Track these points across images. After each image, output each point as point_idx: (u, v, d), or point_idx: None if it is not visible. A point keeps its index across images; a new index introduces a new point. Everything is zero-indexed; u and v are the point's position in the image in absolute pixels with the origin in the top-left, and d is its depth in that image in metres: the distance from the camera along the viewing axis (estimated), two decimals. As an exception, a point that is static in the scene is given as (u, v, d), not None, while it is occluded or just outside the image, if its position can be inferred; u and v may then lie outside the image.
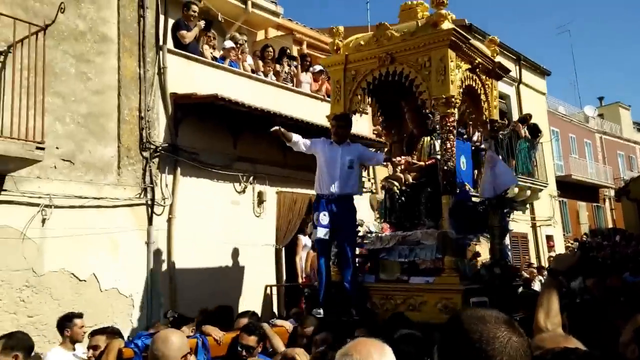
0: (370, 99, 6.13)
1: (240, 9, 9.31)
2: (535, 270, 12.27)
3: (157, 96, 6.95)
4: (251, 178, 7.78)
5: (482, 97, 5.59)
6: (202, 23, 7.66)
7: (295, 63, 9.03)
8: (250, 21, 9.72)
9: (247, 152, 7.85)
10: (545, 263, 14.19)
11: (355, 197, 5.40)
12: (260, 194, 7.87)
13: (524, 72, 16.76)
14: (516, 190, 14.55)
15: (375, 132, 11.12)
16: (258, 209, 7.88)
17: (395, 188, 5.62)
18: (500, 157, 5.74)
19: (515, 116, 15.65)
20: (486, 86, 5.64)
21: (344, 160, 5.23)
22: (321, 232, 5.12)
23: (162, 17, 7.13)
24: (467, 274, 4.82)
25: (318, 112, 7.98)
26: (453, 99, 4.80)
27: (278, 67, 8.63)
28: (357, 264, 5.51)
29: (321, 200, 5.21)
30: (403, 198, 5.58)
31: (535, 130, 14.42)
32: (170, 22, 7.42)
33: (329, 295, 5.19)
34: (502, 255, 5.34)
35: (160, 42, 7.04)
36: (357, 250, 5.55)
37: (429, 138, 5.56)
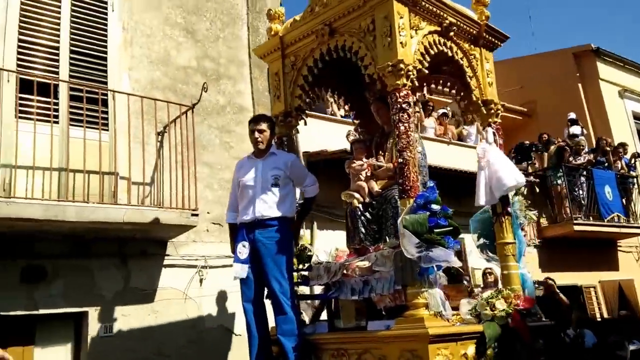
0: (331, 94, 5.01)
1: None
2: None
3: (291, 156, 7.41)
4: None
5: (468, 71, 4.32)
6: None
7: (417, 109, 9.19)
8: (371, 75, 10.04)
9: (379, 201, 8.02)
10: None
11: None
12: (395, 242, 7.94)
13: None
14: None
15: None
16: (394, 256, 7.94)
17: (355, 201, 4.40)
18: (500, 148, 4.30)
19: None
20: (471, 57, 4.36)
21: (265, 175, 4.12)
22: (237, 270, 4.03)
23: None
24: (446, 313, 3.48)
25: (444, 156, 8.01)
26: (402, 65, 3.61)
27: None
28: (315, 308, 4.57)
29: (241, 228, 4.14)
30: (367, 214, 4.36)
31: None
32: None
33: (265, 354, 4.01)
34: (524, 283, 4.05)
35: (290, 106, 7.56)
36: (318, 289, 4.51)
37: None
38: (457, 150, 9.71)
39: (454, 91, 4.66)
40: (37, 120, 5.11)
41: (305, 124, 4.77)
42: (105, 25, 6.12)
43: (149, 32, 6.52)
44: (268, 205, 4.05)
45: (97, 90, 5.61)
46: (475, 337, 3.51)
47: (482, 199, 4.08)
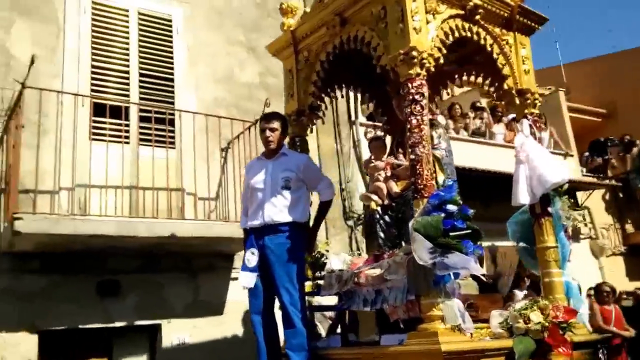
0: (359, 93, 4.75)
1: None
2: None
3: (354, 168, 7.41)
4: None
5: (500, 58, 3.88)
6: None
7: (485, 114, 8.94)
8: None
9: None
10: None
11: None
12: (465, 251, 7.75)
13: None
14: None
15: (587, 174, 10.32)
16: (466, 267, 7.75)
17: (373, 204, 4.10)
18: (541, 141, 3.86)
19: None
20: (503, 43, 3.91)
21: (275, 177, 3.82)
22: (244, 279, 3.75)
23: (351, 94, 7.67)
24: (465, 326, 3.03)
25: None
26: (415, 53, 3.26)
27: (467, 120, 8.64)
28: (331, 320, 4.31)
29: (250, 235, 3.86)
30: (386, 217, 4.07)
31: None
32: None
33: None
34: (568, 292, 3.66)
35: (352, 118, 7.56)
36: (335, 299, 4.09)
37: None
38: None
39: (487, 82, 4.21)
40: (110, 141, 5.37)
41: (323, 122, 4.53)
42: (171, 47, 6.37)
43: (213, 52, 6.72)
44: (278, 210, 3.75)
45: (164, 111, 5.84)
46: (504, 354, 3.09)
47: (521, 197, 3.65)
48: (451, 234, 2.94)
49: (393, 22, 3.41)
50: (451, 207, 3.02)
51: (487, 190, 7.62)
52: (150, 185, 5.46)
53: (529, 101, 3.97)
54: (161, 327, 5.75)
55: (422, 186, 3.17)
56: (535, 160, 3.65)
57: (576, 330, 3.33)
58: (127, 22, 6.15)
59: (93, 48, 5.88)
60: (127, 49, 6.09)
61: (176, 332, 5.78)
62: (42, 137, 5.25)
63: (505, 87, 3.91)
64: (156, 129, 5.67)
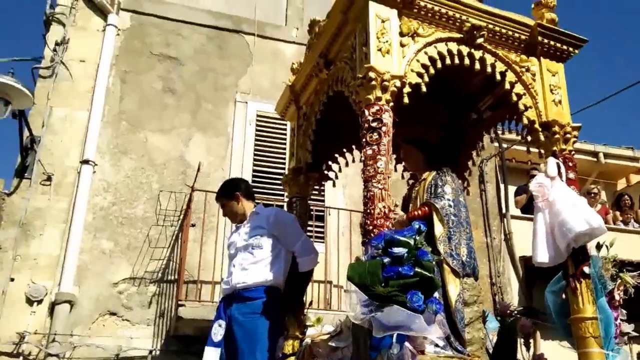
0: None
1: (591, 163, 9.11)
2: None
3: (506, 261, 7.14)
4: (625, 338, 6.92)
5: (517, 87, 3.22)
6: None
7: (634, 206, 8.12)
8: (606, 172, 9.35)
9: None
10: None
11: None
12: (640, 356, 6.83)
13: None
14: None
15: None
16: (641, 370, 6.81)
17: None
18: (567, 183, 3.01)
19: None
20: (521, 70, 3.24)
21: (247, 238, 3.42)
22: (208, 355, 3.19)
23: (502, 187, 7.56)
24: None
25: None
26: (373, 74, 2.73)
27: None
28: None
29: (221, 303, 3.40)
30: None
31: None
32: (511, 189, 7.78)
33: None
34: None
35: (503, 210, 7.40)
36: None
37: (432, 174, 3.39)
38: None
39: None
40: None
41: (334, 185, 4.25)
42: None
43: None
44: (247, 272, 3.33)
45: (315, 208, 6.36)
46: None
47: (540, 254, 2.83)
48: (391, 282, 2.24)
49: (360, 48, 2.98)
50: (398, 250, 2.28)
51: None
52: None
53: (557, 136, 3.24)
54: None
55: (370, 227, 2.56)
56: (558, 204, 2.80)
57: None
58: (284, 128, 6.94)
59: (255, 154, 6.73)
60: (284, 153, 6.83)
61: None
62: (210, 233, 6.03)
63: (524, 120, 3.24)
64: (308, 225, 6.17)
